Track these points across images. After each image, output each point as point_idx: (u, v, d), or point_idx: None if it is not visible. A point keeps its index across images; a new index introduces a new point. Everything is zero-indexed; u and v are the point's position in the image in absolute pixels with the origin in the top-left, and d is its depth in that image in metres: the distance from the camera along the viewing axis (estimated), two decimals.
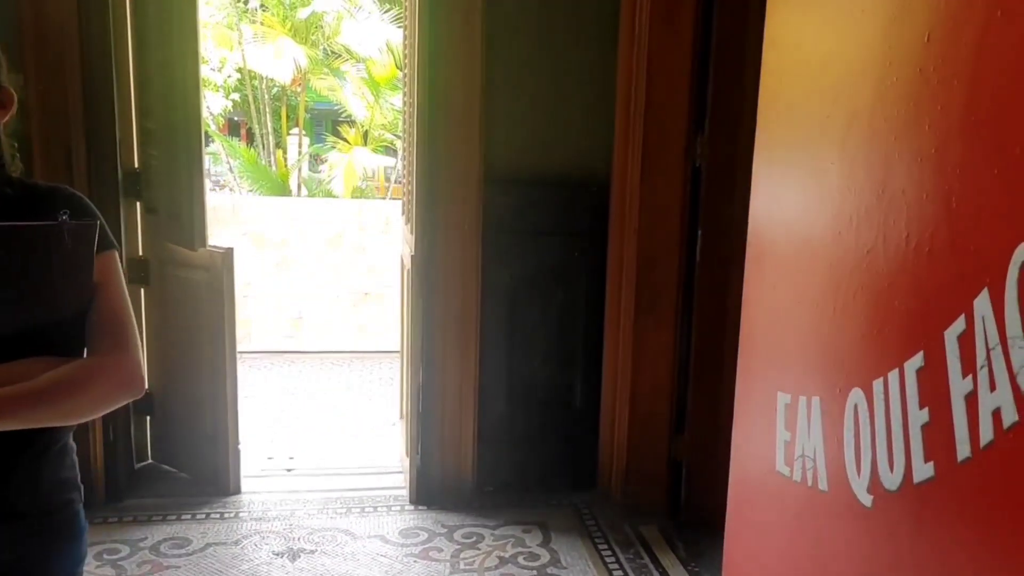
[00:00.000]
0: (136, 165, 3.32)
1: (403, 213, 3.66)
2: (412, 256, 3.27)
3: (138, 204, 3.37)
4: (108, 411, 1.34)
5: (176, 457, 3.52)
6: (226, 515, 3.23)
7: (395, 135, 12.11)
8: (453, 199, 3.17)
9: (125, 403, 1.34)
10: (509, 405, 3.42)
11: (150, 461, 3.56)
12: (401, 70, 11.39)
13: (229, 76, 11.80)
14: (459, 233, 3.19)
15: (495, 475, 3.42)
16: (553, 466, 3.49)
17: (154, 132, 3.27)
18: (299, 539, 3.07)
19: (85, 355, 1.30)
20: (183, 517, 3.19)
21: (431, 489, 3.35)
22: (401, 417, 3.77)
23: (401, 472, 3.56)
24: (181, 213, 3.26)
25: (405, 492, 3.41)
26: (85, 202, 1.37)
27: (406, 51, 3.52)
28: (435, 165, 3.15)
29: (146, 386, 1.36)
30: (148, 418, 3.55)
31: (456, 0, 3.06)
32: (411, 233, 3.34)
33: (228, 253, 3.27)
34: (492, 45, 3.13)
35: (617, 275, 3.22)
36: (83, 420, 1.35)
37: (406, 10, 3.48)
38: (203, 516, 3.20)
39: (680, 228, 3.10)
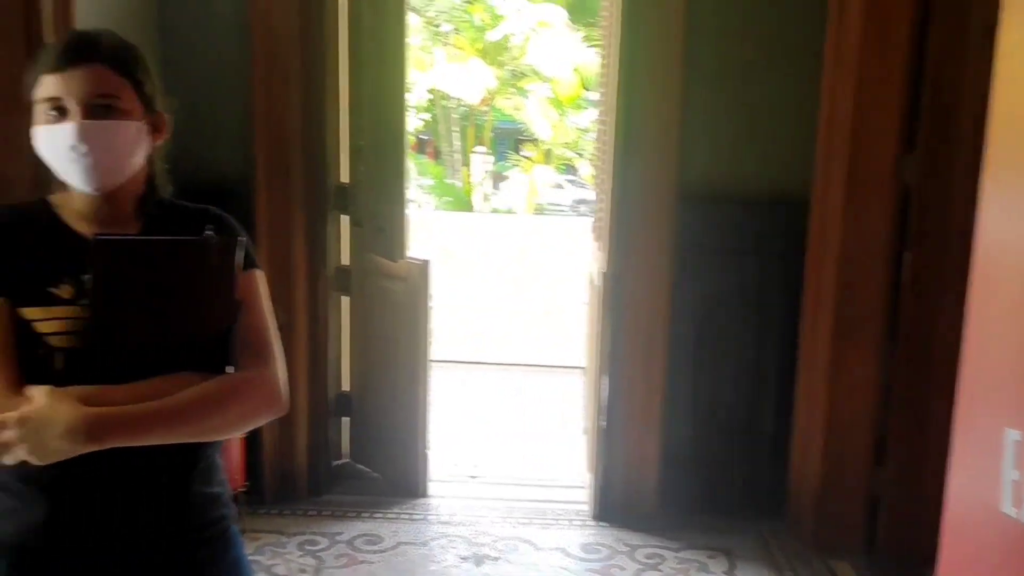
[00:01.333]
0: (344, 180, 3.54)
1: (593, 230, 3.70)
2: (602, 272, 3.29)
3: (344, 217, 3.59)
4: (250, 428, 1.35)
5: (370, 458, 3.70)
6: (415, 517, 3.36)
7: (576, 153, 12.24)
8: (646, 216, 3.17)
9: (267, 421, 1.34)
10: (695, 426, 3.37)
11: (347, 460, 3.76)
12: (586, 89, 11.52)
13: (420, 97, 12.34)
14: (650, 251, 3.18)
15: (678, 496, 3.37)
16: (739, 492, 3.39)
17: (362, 149, 3.48)
18: (484, 545, 3.14)
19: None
20: (376, 515, 3.34)
21: (613, 506, 3.34)
22: (583, 432, 3.80)
23: (582, 487, 3.58)
24: (384, 226, 3.44)
25: (587, 507, 3.42)
26: (231, 221, 1.39)
27: (602, 69, 3.55)
28: (628, 182, 3.17)
29: (288, 404, 1.35)
30: (347, 419, 3.75)
31: (655, 18, 3.08)
32: (601, 250, 3.36)
33: (425, 265, 3.41)
34: (689, 60, 3.11)
35: (814, 298, 3.10)
36: (226, 437, 1.36)
37: (603, 29, 3.52)
38: (394, 516, 3.35)
39: (886, 250, 2.95)
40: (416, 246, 3.61)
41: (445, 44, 11.95)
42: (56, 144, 1.24)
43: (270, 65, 3.16)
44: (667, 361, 3.27)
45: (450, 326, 5.95)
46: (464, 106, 12.63)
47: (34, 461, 1.16)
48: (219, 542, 1.38)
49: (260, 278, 1.38)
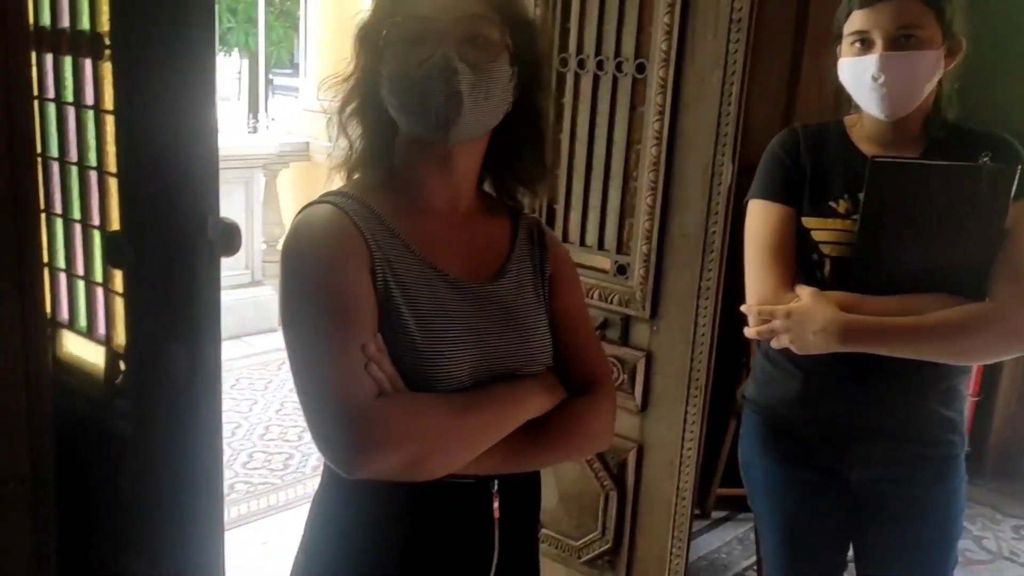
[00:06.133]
0: None
1: None
2: None
3: None
4: (995, 360, 1.34)
5: None
6: None
7: None
8: None
9: (1013, 356, 1.29)
10: None
11: None
12: None
13: None
14: None
15: None
16: None
17: None
18: None
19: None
20: None
21: None
22: None
23: None
24: None
25: None
26: (1014, 148, 1.32)
27: None
28: None
29: None
30: None
31: None
32: None
33: None
34: None
35: None
36: (967, 363, 1.36)
37: None
38: None
39: None
40: None
41: None
42: (858, 74, 1.32)
43: None
44: None
45: None
46: None
47: (794, 349, 1.33)
48: (943, 464, 1.40)
49: None
